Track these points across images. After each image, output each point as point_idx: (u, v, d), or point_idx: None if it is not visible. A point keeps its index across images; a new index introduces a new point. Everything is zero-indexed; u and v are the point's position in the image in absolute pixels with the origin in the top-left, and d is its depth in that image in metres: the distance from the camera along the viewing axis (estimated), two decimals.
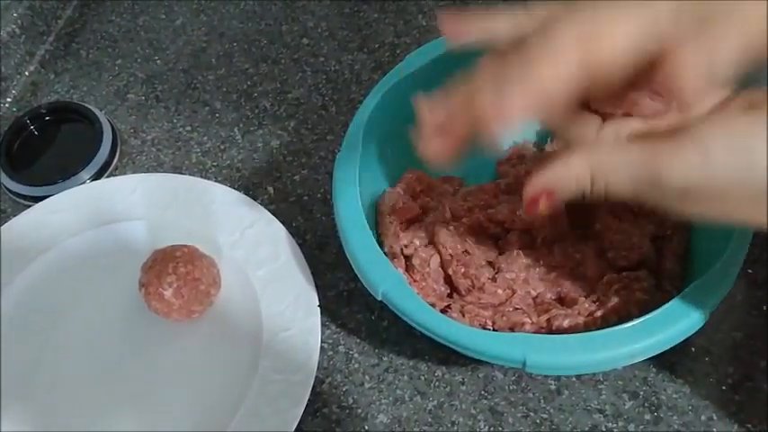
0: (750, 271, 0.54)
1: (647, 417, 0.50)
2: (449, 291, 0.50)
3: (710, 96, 0.37)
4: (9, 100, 0.72)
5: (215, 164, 0.65)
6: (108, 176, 0.65)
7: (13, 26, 0.72)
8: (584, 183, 0.35)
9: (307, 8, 0.75)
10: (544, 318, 0.46)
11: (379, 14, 0.73)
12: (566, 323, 0.46)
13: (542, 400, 0.51)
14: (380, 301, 0.46)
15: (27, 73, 0.73)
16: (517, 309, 0.48)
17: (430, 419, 0.51)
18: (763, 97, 0.35)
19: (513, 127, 0.34)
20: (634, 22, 0.33)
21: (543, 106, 0.34)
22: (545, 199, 0.36)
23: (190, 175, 0.63)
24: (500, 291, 0.49)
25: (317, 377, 0.52)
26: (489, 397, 0.51)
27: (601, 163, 0.35)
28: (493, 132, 0.35)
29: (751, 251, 0.44)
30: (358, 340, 0.55)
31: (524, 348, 0.41)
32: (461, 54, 0.54)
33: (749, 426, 0.49)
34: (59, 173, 0.64)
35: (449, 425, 0.51)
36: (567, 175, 0.36)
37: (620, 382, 0.51)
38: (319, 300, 0.55)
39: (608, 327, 0.42)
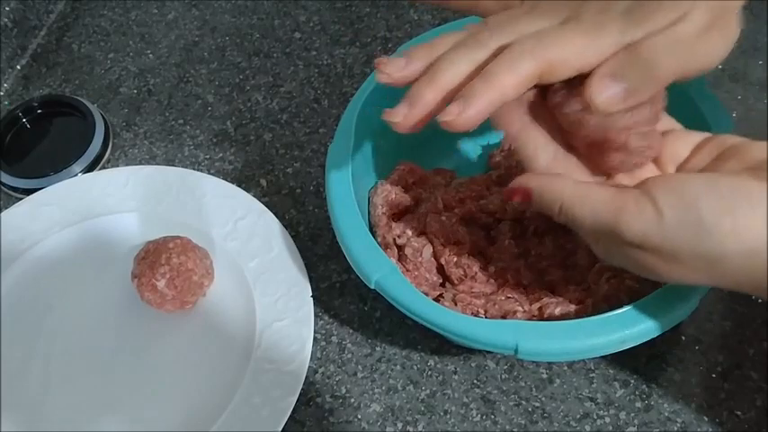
0: None
1: (638, 404, 0.50)
2: (441, 280, 0.51)
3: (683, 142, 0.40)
4: (1, 93, 0.72)
5: (207, 157, 0.65)
6: (100, 169, 0.65)
7: (5, 20, 0.72)
8: (552, 206, 0.38)
9: (299, 2, 0.75)
10: (536, 306, 0.47)
11: (371, 8, 0.73)
12: (557, 311, 0.46)
13: (534, 389, 0.51)
14: (373, 292, 0.47)
15: (19, 67, 0.73)
16: (509, 297, 0.48)
17: (423, 408, 0.51)
18: (732, 143, 0.37)
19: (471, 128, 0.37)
20: (586, 48, 0.36)
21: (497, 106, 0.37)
22: (521, 195, 0.39)
23: (182, 167, 0.64)
24: (492, 280, 0.49)
25: (310, 367, 0.52)
26: (482, 386, 0.52)
27: (573, 195, 0.37)
28: (454, 129, 0.37)
29: None
30: (351, 330, 0.55)
31: (516, 335, 0.42)
32: None
33: (738, 413, 0.49)
34: (51, 166, 0.64)
35: (441, 413, 0.51)
36: (544, 191, 0.38)
37: (611, 371, 0.51)
38: (312, 291, 0.55)
39: (599, 314, 0.43)
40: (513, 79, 0.36)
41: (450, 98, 0.37)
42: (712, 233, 0.33)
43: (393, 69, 0.39)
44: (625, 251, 0.36)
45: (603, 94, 0.36)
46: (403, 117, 0.38)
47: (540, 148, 0.40)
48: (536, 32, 0.37)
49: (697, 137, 0.40)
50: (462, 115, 0.36)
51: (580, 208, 0.36)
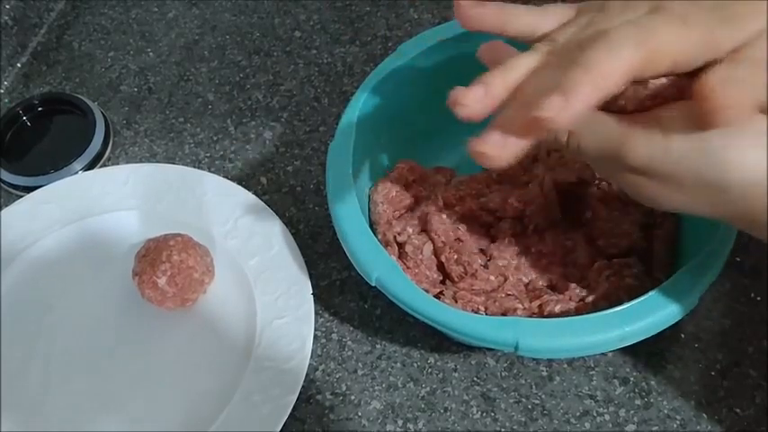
0: (738, 259, 0.54)
1: (638, 402, 0.50)
2: (441, 278, 0.51)
3: None
4: (1, 91, 0.72)
5: (208, 155, 0.65)
6: (100, 167, 0.65)
7: (6, 18, 0.72)
8: (560, 134, 0.36)
9: (299, 1, 0.75)
10: (536, 303, 0.47)
11: (372, 7, 0.73)
12: (557, 308, 0.46)
13: (534, 387, 0.51)
14: (373, 290, 0.47)
15: (19, 64, 0.73)
16: (509, 295, 0.48)
17: (423, 406, 0.51)
18: None
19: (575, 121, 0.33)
20: (689, 41, 0.33)
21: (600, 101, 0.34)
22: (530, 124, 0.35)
23: (183, 165, 0.64)
24: (492, 277, 0.49)
25: (310, 364, 0.52)
26: (482, 383, 0.52)
27: (582, 121, 0.34)
28: (559, 129, 0.35)
29: (738, 239, 0.45)
30: (351, 328, 0.55)
31: (516, 332, 0.42)
32: (453, 45, 0.55)
33: (737, 410, 0.49)
34: (52, 164, 0.64)
35: (441, 411, 0.51)
36: (555, 116, 0.34)
37: (610, 369, 0.51)
38: (312, 288, 0.55)
39: (598, 312, 0.43)
40: (616, 68, 0.32)
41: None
42: (718, 160, 0.33)
43: (472, 101, 0.36)
44: (627, 177, 0.36)
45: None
46: (498, 150, 0.35)
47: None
48: (630, 21, 0.34)
49: None
50: (566, 111, 0.32)
51: (586, 135, 0.35)
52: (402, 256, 0.51)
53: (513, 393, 0.51)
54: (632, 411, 0.50)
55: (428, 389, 0.52)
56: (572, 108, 0.32)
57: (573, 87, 0.32)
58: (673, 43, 0.33)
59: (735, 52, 0.33)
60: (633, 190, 0.36)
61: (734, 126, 0.33)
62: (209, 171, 0.63)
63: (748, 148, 0.33)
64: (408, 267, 0.50)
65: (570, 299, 0.47)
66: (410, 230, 0.51)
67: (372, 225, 0.52)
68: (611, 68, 0.32)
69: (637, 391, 0.51)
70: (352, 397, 0.52)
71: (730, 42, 0.33)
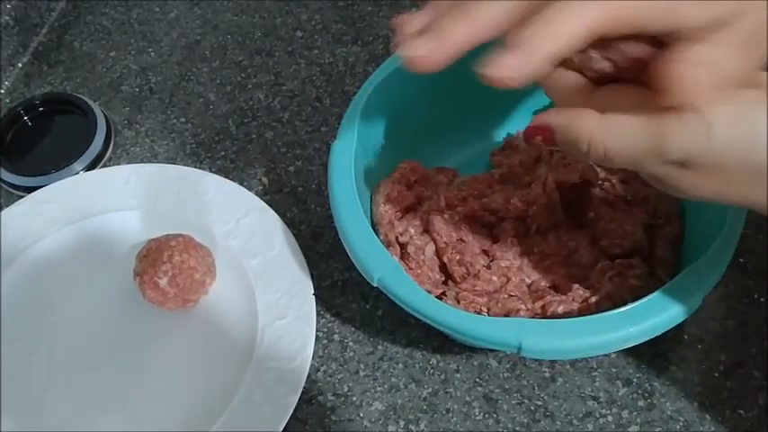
0: (742, 260, 0.54)
1: (641, 403, 0.50)
2: (444, 278, 0.51)
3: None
4: (2, 91, 0.71)
5: (209, 155, 0.65)
6: (102, 167, 0.65)
7: (7, 18, 0.72)
8: (579, 143, 0.34)
9: (301, 1, 0.75)
10: (539, 304, 0.47)
11: (373, 7, 0.73)
12: (560, 309, 0.46)
13: (537, 388, 0.51)
14: (375, 291, 0.46)
15: (20, 64, 0.73)
16: (512, 296, 0.48)
17: (425, 407, 0.51)
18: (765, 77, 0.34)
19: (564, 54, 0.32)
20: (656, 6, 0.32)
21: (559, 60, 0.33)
22: (543, 135, 0.35)
23: (184, 166, 0.63)
24: (495, 278, 0.49)
25: (312, 365, 0.52)
26: (484, 384, 0.52)
27: (603, 128, 0.34)
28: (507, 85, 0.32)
29: (742, 241, 0.45)
30: (353, 329, 0.55)
31: (519, 332, 0.42)
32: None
33: (741, 412, 0.49)
34: (53, 164, 0.64)
35: (444, 412, 0.51)
36: (569, 127, 0.34)
37: (613, 370, 0.51)
38: (314, 289, 0.55)
39: (602, 313, 0.43)
40: (578, 26, 0.31)
41: (484, 39, 0.32)
42: (765, 145, 0.32)
43: (414, 24, 0.34)
44: (665, 173, 0.34)
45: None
46: (427, 51, 0.33)
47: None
48: None
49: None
50: (522, 69, 0.31)
51: (613, 140, 0.33)
52: (404, 256, 0.50)
53: (515, 394, 0.51)
54: (635, 413, 0.50)
55: (430, 390, 0.52)
56: (528, 67, 0.31)
57: (530, 44, 0.31)
58: (638, 5, 0.31)
59: (703, 31, 0.32)
60: (669, 183, 0.35)
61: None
62: (211, 171, 0.63)
63: None
64: (410, 268, 0.50)
65: (573, 300, 0.47)
66: (412, 231, 0.51)
67: (374, 225, 0.52)
68: (572, 27, 0.31)
69: (640, 392, 0.50)
70: (354, 398, 0.52)
71: (699, 15, 0.31)
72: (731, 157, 0.32)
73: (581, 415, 0.50)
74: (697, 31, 0.32)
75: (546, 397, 0.51)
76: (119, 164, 0.65)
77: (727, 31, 0.32)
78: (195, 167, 0.63)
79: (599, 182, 0.52)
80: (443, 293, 0.49)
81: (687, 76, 0.31)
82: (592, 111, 0.34)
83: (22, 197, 0.62)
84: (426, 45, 0.33)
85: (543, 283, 0.49)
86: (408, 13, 0.34)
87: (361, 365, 0.53)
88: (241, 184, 0.61)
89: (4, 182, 0.64)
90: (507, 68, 0.31)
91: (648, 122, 0.33)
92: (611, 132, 0.34)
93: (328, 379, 0.53)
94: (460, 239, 0.50)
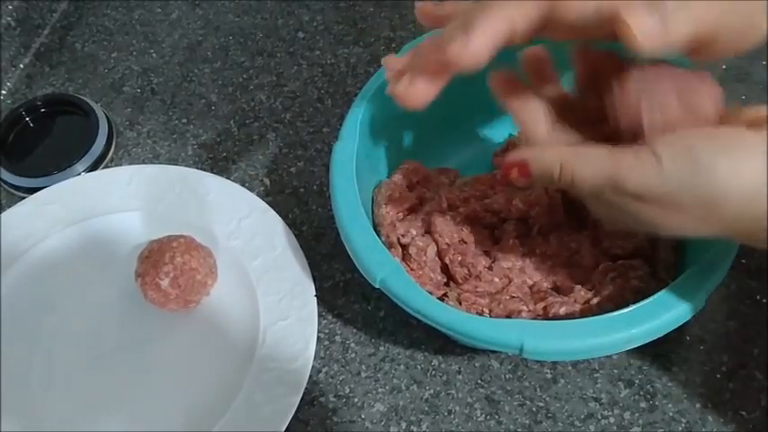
0: (743, 261, 0.54)
1: (643, 405, 0.50)
2: (445, 279, 0.50)
3: None
4: (4, 92, 0.71)
5: (211, 156, 0.65)
6: (103, 168, 0.65)
7: (9, 19, 0.72)
8: (552, 169, 0.37)
9: (302, 2, 0.75)
10: (541, 305, 0.47)
11: (375, 8, 0.73)
12: (562, 310, 0.46)
13: (538, 389, 0.51)
14: (377, 292, 0.46)
15: (22, 65, 0.73)
16: (514, 297, 0.48)
17: (426, 408, 0.51)
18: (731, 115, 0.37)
19: (480, 63, 0.36)
20: None
21: (505, 43, 0.37)
22: (518, 170, 0.39)
23: (186, 167, 0.63)
24: (497, 279, 0.49)
25: (313, 366, 0.52)
26: (486, 386, 0.52)
27: (571, 155, 0.37)
28: (464, 69, 0.37)
29: None
30: (355, 330, 0.55)
31: (521, 334, 0.42)
32: None
33: (743, 413, 0.49)
34: (55, 165, 0.64)
35: (445, 413, 0.51)
36: (542, 158, 0.38)
37: (615, 371, 0.51)
38: (316, 290, 0.55)
39: (604, 314, 0.43)
40: (517, 8, 0.36)
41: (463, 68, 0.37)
42: (709, 175, 0.34)
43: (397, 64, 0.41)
44: (625, 205, 0.36)
45: (642, 24, 0.34)
46: (413, 89, 0.40)
47: (538, 121, 0.40)
48: None
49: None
50: (466, 49, 0.36)
51: (579, 167, 0.37)
52: (406, 257, 0.50)
53: (517, 396, 0.51)
54: (637, 414, 0.50)
55: (432, 391, 0.52)
56: (473, 44, 0.35)
57: (472, 25, 0.35)
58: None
59: None
60: (634, 218, 0.37)
61: (721, 141, 0.34)
62: (212, 172, 0.63)
63: (741, 160, 0.34)
64: (412, 269, 0.50)
65: (575, 301, 0.47)
66: (414, 232, 0.51)
67: (376, 226, 0.52)
68: (511, 10, 0.36)
69: (642, 393, 0.50)
70: (356, 399, 0.52)
71: None
72: (678, 188, 0.34)
73: (583, 416, 0.50)
74: None
75: (548, 398, 0.51)
76: (120, 165, 0.65)
77: None
78: (197, 168, 0.63)
79: None
80: (445, 295, 0.49)
81: (640, 26, 0.34)
82: (561, 144, 0.39)
83: (23, 198, 0.62)
84: (412, 83, 0.39)
85: (545, 285, 0.49)
86: (391, 56, 0.42)
87: (363, 366, 0.53)
88: (243, 185, 0.61)
89: (6, 183, 0.64)
90: (451, 50, 0.36)
91: (611, 153, 0.36)
92: (578, 160, 0.37)
93: (330, 380, 0.53)
94: (462, 240, 0.50)
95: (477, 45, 0.36)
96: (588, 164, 0.36)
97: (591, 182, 0.37)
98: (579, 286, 0.48)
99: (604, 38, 0.36)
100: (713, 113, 0.37)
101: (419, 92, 0.39)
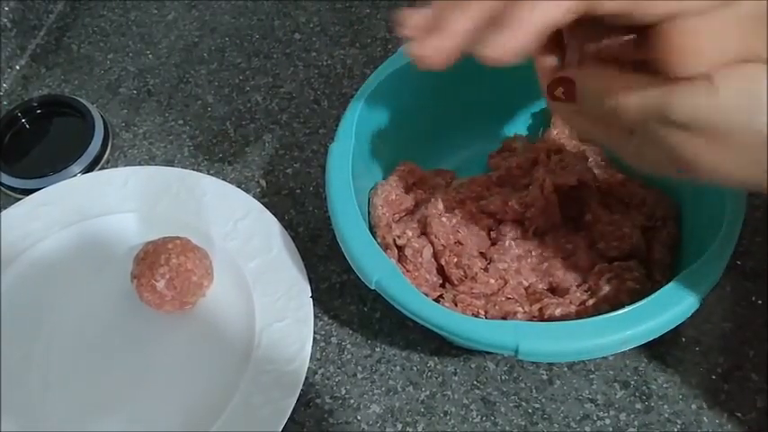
0: (739, 262, 0.54)
1: (638, 406, 0.50)
2: (441, 281, 0.51)
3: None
4: (0, 94, 0.71)
5: (207, 157, 0.65)
6: (99, 170, 0.65)
7: (5, 20, 0.71)
8: (599, 90, 0.35)
9: (299, 3, 0.75)
10: (536, 307, 0.47)
11: (371, 10, 0.73)
12: (558, 312, 0.46)
13: (534, 390, 0.51)
14: (373, 293, 0.46)
15: (18, 67, 0.73)
16: (509, 298, 0.48)
17: (422, 409, 0.51)
18: None
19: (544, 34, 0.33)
20: None
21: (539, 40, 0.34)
22: (564, 87, 0.36)
23: (182, 168, 0.63)
24: (492, 280, 0.49)
25: (309, 368, 0.52)
26: (481, 387, 0.52)
27: (620, 79, 0.35)
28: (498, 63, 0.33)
29: (740, 243, 0.45)
30: (351, 331, 0.55)
31: (517, 335, 0.42)
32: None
33: (738, 414, 0.49)
34: (51, 166, 0.64)
35: (441, 414, 0.51)
36: (590, 75, 0.36)
37: (611, 372, 0.51)
38: (312, 291, 0.55)
39: (599, 315, 0.43)
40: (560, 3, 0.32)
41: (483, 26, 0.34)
42: (764, 118, 0.32)
43: (417, 20, 0.35)
44: (668, 137, 0.34)
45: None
46: (434, 50, 0.34)
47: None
48: None
49: None
50: (508, 46, 0.32)
51: (625, 93, 0.34)
52: (402, 259, 0.50)
53: (513, 397, 0.51)
54: (633, 415, 0.50)
55: (428, 393, 0.52)
56: (515, 42, 0.32)
57: (514, 23, 0.32)
58: None
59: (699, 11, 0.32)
60: (674, 153, 0.35)
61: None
62: (209, 174, 0.63)
63: None
64: (408, 270, 0.50)
65: (571, 302, 0.47)
66: (410, 233, 0.51)
67: (372, 228, 0.52)
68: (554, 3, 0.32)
69: (637, 394, 0.50)
70: (352, 400, 0.52)
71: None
72: (733, 120, 0.32)
73: (579, 418, 0.50)
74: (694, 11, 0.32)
75: (543, 400, 0.51)
76: (116, 166, 0.65)
77: (725, 9, 0.32)
78: (193, 169, 0.63)
79: (596, 184, 0.52)
80: (441, 296, 0.49)
81: (687, 45, 0.32)
82: (610, 69, 0.35)
83: (20, 199, 0.62)
84: (433, 43, 0.34)
85: (541, 286, 0.49)
86: (409, 9, 0.35)
87: (359, 368, 0.53)
88: (239, 187, 0.61)
89: (2, 184, 0.64)
90: (492, 46, 0.32)
91: (661, 80, 0.33)
92: (624, 86, 0.34)
93: (326, 381, 0.53)
94: (458, 242, 0.50)
95: (519, 43, 0.32)
96: (636, 90, 0.34)
97: (636, 108, 0.34)
98: (575, 287, 0.48)
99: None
100: None
101: (439, 51, 0.35)
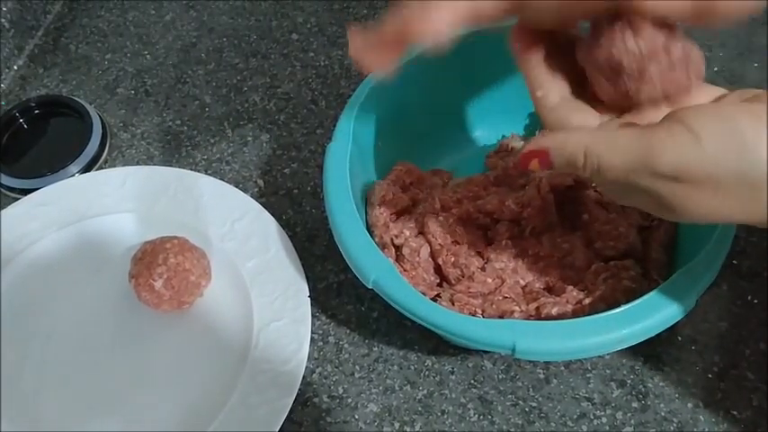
0: (735, 262, 0.54)
1: (635, 405, 0.50)
2: (439, 280, 0.51)
3: (704, 94, 0.38)
4: None
5: (204, 157, 0.65)
6: (97, 170, 0.65)
7: (3, 20, 0.71)
8: (575, 157, 0.35)
9: (296, 4, 0.75)
10: (533, 306, 0.47)
11: (369, 10, 0.74)
12: (554, 311, 0.46)
13: (531, 389, 0.51)
14: (371, 293, 0.47)
15: (16, 67, 0.73)
16: (506, 297, 0.48)
17: (420, 408, 0.51)
18: (755, 93, 0.35)
19: (442, 38, 0.37)
20: None
21: (470, 22, 0.37)
22: (539, 158, 0.37)
23: (179, 168, 0.63)
24: (489, 280, 0.49)
25: (307, 367, 0.52)
26: (479, 386, 0.52)
27: (597, 139, 0.35)
28: (424, 42, 0.37)
29: (736, 242, 0.45)
30: (348, 331, 0.55)
31: (514, 334, 0.42)
32: (451, 47, 0.55)
33: (734, 413, 0.49)
34: (48, 166, 0.64)
35: (439, 414, 0.51)
36: (565, 144, 0.36)
37: (607, 371, 0.51)
38: (309, 291, 0.55)
39: (596, 314, 0.43)
40: None
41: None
42: (755, 153, 0.32)
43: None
44: (656, 188, 0.34)
45: None
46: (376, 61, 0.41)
47: (550, 88, 0.39)
48: None
49: (717, 91, 0.38)
50: (425, 24, 0.37)
51: (607, 152, 0.34)
52: (399, 258, 0.50)
53: (510, 396, 0.51)
54: (629, 414, 0.50)
55: (425, 392, 0.52)
56: (433, 19, 0.37)
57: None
58: None
59: None
60: (663, 202, 0.35)
61: (763, 117, 0.32)
62: (206, 174, 0.63)
63: None
64: (405, 270, 0.50)
65: (567, 301, 0.47)
66: (407, 233, 0.51)
67: (369, 227, 0.52)
68: None
69: (634, 393, 0.51)
70: (349, 400, 0.52)
71: None
72: (721, 167, 0.32)
73: (575, 416, 0.50)
74: None
75: (540, 398, 0.51)
76: (114, 166, 0.65)
77: None
78: (191, 170, 0.63)
79: (593, 184, 0.52)
80: (438, 295, 0.49)
81: None
82: (581, 127, 0.37)
83: (17, 199, 0.62)
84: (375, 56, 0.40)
85: (537, 285, 0.49)
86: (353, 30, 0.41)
87: (357, 367, 0.53)
88: (236, 187, 0.61)
89: (0, 184, 0.64)
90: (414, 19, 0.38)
91: (640, 134, 0.34)
92: (604, 144, 0.34)
93: (323, 381, 0.53)
94: (455, 241, 0.51)
95: (437, 20, 0.37)
96: (616, 147, 0.34)
97: (621, 167, 0.34)
98: (571, 287, 0.48)
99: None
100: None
101: (378, 61, 0.40)
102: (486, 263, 0.50)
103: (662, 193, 0.34)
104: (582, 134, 0.36)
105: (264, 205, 0.59)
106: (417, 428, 0.51)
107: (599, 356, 0.52)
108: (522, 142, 0.59)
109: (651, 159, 0.33)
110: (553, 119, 0.39)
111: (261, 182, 0.63)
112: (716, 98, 0.37)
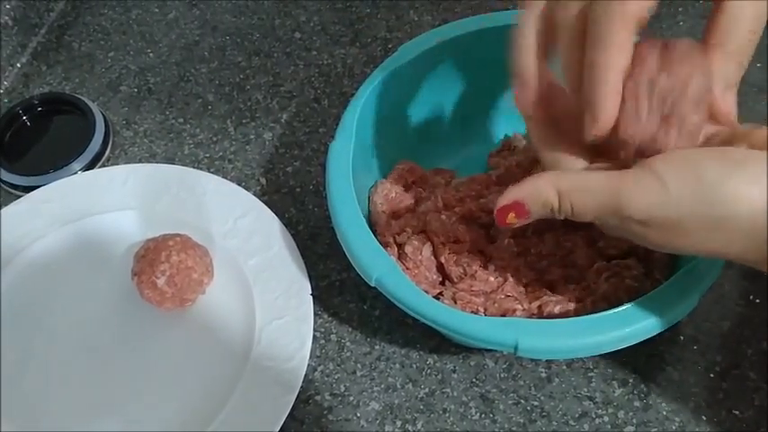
0: None
1: (637, 404, 0.50)
2: (441, 278, 0.51)
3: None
4: (1, 91, 0.71)
5: (207, 155, 0.65)
6: (100, 167, 0.65)
7: (6, 18, 0.72)
8: (550, 202, 0.37)
9: (299, 2, 0.75)
10: (535, 304, 0.47)
11: (372, 9, 0.74)
12: (557, 309, 0.46)
13: (533, 388, 0.51)
14: (373, 291, 0.47)
15: (19, 65, 0.73)
16: (509, 296, 0.48)
17: (422, 407, 0.51)
18: (744, 132, 0.36)
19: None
20: None
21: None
22: (514, 211, 0.38)
23: (182, 166, 0.63)
24: (492, 278, 0.49)
25: (309, 365, 0.52)
26: (480, 385, 0.52)
27: (568, 184, 0.36)
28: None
29: None
30: (350, 329, 0.55)
31: (516, 332, 0.42)
32: (453, 47, 0.55)
33: (736, 412, 0.49)
34: (51, 164, 0.64)
35: (440, 412, 0.51)
36: (536, 192, 0.37)
37: (609, 370, 0.51)
38: (312, 289, 0.55)
39: (598, 313, 0.43)
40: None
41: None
42: (716, 195, 0.33)
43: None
44: (630, 229, 0.35)
45: None
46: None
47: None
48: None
49: (709, 128, 0.38)
50: (599, 124, 0.36)
51: (578, 197, 0.36)
52: (401, 256, 0.50)
53: (511, 395, 0.51)
54: (631, 413, 0.50)
55: (427, 390, 0.52)
56: (605, 122, 0.36)
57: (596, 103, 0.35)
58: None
59: None
60: (641, 241, 0.36)
61: (727, 160, 0.33)
62: (209, 172, 0.63)
63: (750, 181, 0.33)
64: (408, 268, 0.50)
65: (569, 300, 0.47)
66: (410, 231, 0.51)
67: (372, 226, 0.52)
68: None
69: (636, 392, 0.51)
70: (351, 398, 0.52)
71: None
72: (683, 210, 0.33)
73: (577, 415, 0.50)
74: None
75: (542, 397, 0.51)
76: (117, 164, 0.65)
77: None
78: (193, 168, 0.63)
79: None
80: (440, 294, 0.49)
81: None
82: (550, 172, 0.38)
83: (20, 197, 0.62)
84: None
85: (539, 284, 0.49)
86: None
87: (359, 365, 0.53)
88: (239, 185, 0.61)
89: (3, 181, 0.64)
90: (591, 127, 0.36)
91: (608, 179, 0.35)
92: (576, 189, 0.36)
93: (325, 379, 0.53)
94: (458, 240, 0.51)
95: (608, 116, 0.35)
96: (587, 192, 0.35)
97: (592, 211, 0.36)
98: (574, 285, 0.48)
99: None
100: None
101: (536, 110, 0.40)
102: (488, 261, 0.50)
103: (637, 234, 0.36)
104: (551, 183, 0.37)
105: (267, 203, 0.59)
106: (419, 427, 0.51)
107: (601, 355, 0.52)
108: (524, 141, 0.59)
109: (620, 206, 0.34)
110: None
111: (263, 180, 0.63)
112: (704, 139, 0.38)
